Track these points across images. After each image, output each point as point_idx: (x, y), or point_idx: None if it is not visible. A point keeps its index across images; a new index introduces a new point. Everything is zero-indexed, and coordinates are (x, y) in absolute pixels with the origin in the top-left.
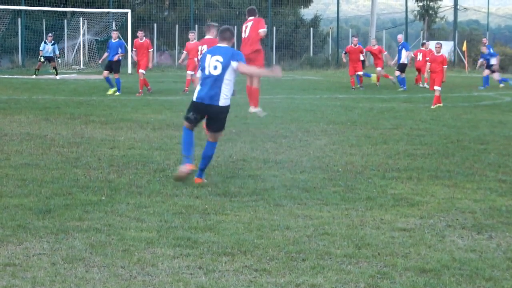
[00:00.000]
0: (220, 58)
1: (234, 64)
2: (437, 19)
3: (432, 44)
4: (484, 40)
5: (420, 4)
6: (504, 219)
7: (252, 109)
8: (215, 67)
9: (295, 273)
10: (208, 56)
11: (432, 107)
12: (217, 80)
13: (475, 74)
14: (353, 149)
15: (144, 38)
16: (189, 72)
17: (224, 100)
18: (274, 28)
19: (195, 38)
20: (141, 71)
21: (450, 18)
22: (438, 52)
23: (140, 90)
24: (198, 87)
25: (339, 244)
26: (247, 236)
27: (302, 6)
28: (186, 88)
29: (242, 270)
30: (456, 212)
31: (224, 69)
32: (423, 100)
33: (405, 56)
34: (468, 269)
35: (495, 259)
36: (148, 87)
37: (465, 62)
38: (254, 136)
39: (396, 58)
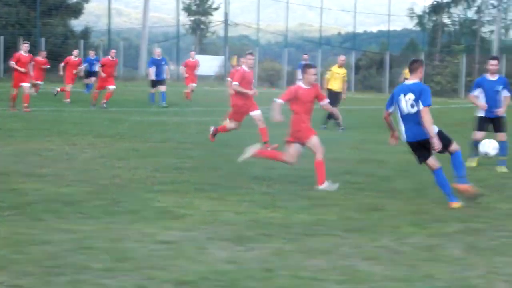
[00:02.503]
0: (412, 96)
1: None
2: (208, 34)
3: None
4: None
5: (192, 18)
6: (265, 231)
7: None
8: (412, 106)
9: None
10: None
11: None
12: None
13: None
14: (121, 162)
15: None
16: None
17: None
18: (43, 39)
19: (28, 50)
20: None
21: (222, 33)
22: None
23: None
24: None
25: (99, 258)
26: (3, 252)
27: (72, 18)
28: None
29: None
30: (219, 224)
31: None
32: (192, 114)
33: (152, 72)
34: (226, 280)
35: (252, 270)
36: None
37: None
38: (18, 149)
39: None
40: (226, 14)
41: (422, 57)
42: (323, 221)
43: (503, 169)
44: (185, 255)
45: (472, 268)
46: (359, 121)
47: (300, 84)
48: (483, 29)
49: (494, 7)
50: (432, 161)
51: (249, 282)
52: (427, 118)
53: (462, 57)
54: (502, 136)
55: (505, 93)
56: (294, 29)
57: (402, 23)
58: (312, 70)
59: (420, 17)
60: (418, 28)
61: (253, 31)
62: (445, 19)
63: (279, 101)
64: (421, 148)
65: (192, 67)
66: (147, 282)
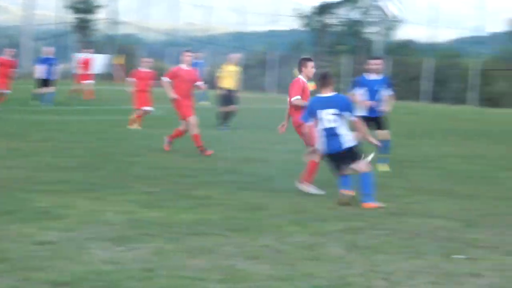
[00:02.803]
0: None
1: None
2: (94, 32)
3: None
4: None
5: (77, 16)
6: (145, 230)
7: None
8: (335, 120)
9: None
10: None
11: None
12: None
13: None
14: None
15: None
16: None
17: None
18: None
19: None
20: None
21: (108, 31)
22: (146, 68)
23: None
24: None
25: None
26: None
27: None
28: None
29: None
30: (99, 225)
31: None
32: (75, 113)
33: (41, 71)
34: (106, 280)
35: (133, 270)
36: None
37: (122, 75)
38: None
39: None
40: (112, 13)
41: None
42: (206, 220)
43: (385, 167)
44: (64, 255)
45: (352, 266)
46: (243, 121)
47: (302, 77)
48: (367, 30)
49: (378, 8)
50: (357, 166)
51: (130, 282)
52: (360, 126)
53: (345, 58)
54: (384, 134)
55: (388, 92)
56: (182, 28)
57: (290, 23)
58: (311, 63)
59: (306, 18)
60: (304, 29)
61: (140, 30)
62: (331, 20)
63: (298, 97)
64: (339, 159)
65: (88, 64)
66: (23, 283)
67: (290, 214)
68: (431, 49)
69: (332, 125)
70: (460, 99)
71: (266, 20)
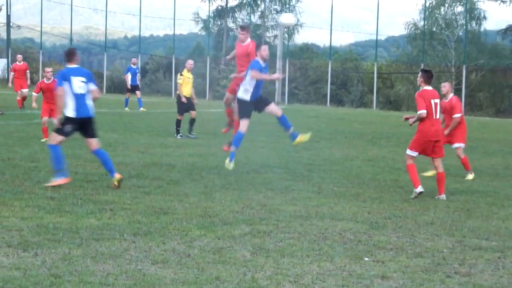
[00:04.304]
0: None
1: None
2: None
3: None
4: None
5: None
6: (51, 236)
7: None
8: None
9: None
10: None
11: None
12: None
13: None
14: None
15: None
16: None
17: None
18: None
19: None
20: None
21: (4, 35)
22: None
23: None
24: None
25: None
26: None
27: None
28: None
29: None
30: (3, 231)
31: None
32: None
33: None
34: (12, 287)
35: (39, 276)
36: None
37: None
38: None
39: None
40: (8, 16)
41: (207, 61)
42: (111, 225)
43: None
44: None
45: (259, 269)
46: (146, 125)
47: None
48: (267, 34)
49: (277, 12)
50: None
51: None
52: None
53: None
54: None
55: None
56: (80, 32)
57: (188, 27)
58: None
59: (205, 22)
60: (203, 33)
61: (37, 34)
62: (230, 24)
63: None
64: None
65: (21, 71)
66: None
67: (197, 218)
68: (331, 52)
69: (81, 91)
70: (362, 102)
71: (165, 24)
